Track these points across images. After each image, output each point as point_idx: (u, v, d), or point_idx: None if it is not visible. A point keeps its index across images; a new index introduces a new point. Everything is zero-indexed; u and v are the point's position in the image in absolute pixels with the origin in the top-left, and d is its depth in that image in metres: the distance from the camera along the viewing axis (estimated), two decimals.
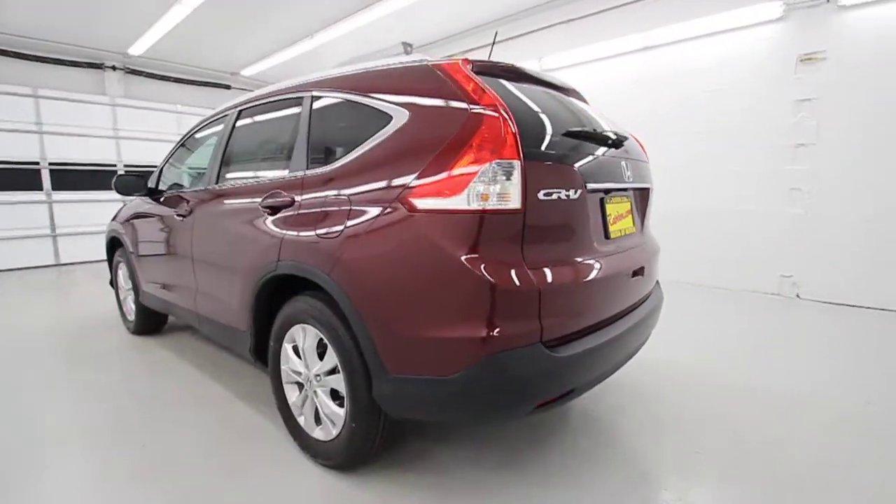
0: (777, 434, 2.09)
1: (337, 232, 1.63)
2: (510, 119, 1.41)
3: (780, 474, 1.81)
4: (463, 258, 1.38)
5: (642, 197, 2.10)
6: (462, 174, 1.39)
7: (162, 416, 2.34)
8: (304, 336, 1.87)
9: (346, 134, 1.83)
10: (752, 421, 2.20)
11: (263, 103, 2.35)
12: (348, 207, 1.63)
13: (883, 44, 3.90)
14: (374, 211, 1.55)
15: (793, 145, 4.42)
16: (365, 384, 1.63)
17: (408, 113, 1.58)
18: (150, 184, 3.15)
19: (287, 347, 1.97)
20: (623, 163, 1.87)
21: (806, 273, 4.48)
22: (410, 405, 1.56)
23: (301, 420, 1.96)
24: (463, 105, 1.46)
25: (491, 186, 1.38)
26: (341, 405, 1.76)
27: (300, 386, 1.96)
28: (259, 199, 2.03)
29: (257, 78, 8.72)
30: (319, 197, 1.75)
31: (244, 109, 2.47)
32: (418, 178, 1.46)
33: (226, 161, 2.48)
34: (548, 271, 1.47)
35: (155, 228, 3.02)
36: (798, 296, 4.54)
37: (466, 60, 1.64)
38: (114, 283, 3.89)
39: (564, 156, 1.57)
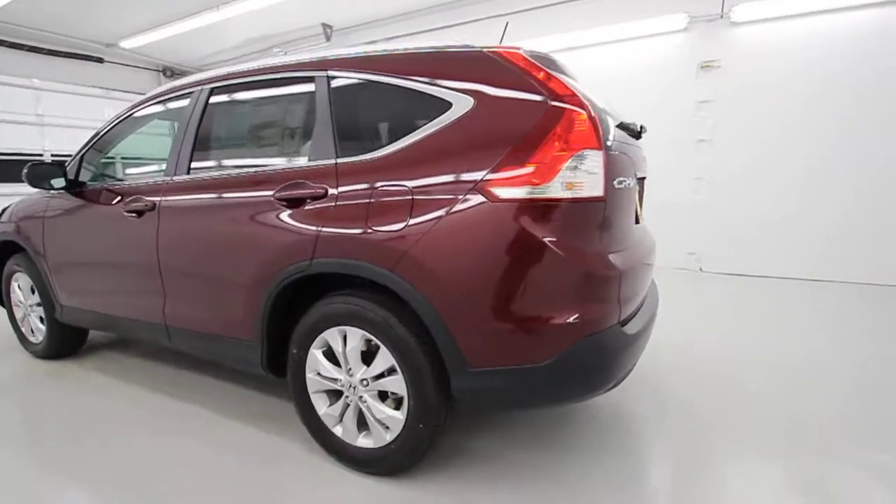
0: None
1: (400, 225, 1.52)
2: (591, 109, 1.45)
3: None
4: (557, 246, 1.40)
5: (642, 185, 2.29)
6: (549, 163, 1.40)
7: (132, 455, 1.95)
8: (342, 340, 1.72)
9: (387, 119, 1.71)
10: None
11: (248, 82, 2.06)
12: (409, 198, 1.53)
13: (763, 55, 4.70)
14: (446, 202, 1.47)
15: (696, 140, 5.14)
16: (433, 383, 1.57)
17: (472, 100, 1.52)
18: (69, 175, 2.58)
19: (316, 354, 1.79)
20: (641, 152, 2.03)
21: (707, 250, 5.27)
22: (496, 397, 1.54)
23: (338, 430, 1.81)
24: (540, 94, 1.45)
25: (578, 176, 1.41)
26: (395, 408, 1.67)
27: (336, 394, 1.81)
28: (270, 191, 1.80)
29: (141, 52, 7.53)
30: (366, 188, 1.61)
31: (218, 87, 2.14)
32: (499, 167, 1.43)
33: (199, 147, 2.14)
34: (619, 256, 1.55)
35: (85, 229, 2.50)
36: (701, 269, 5.33)
37: (517, 48, 1.62)
38: (2, 298, 3.13)
39: (620, 145, 1.66)
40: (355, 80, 1.76)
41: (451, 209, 1.47)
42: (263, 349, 1.91)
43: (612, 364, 1.49)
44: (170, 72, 8.31)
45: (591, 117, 1.44)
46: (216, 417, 2.24)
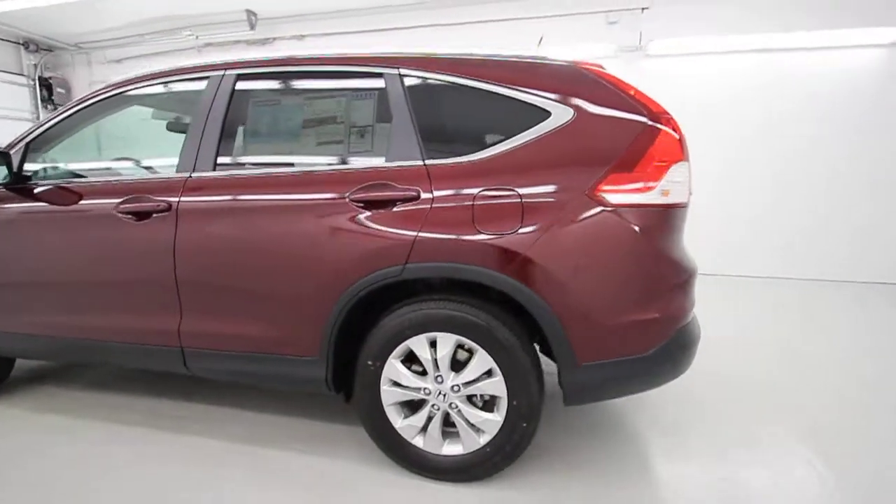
0: None
1: (512, 229, 1.54)
2: (677, 125, 1.63)
3: None
4: (658, 247, 1.56)
5: None
6: (651, 173, 1.55)
7: None
8: (429, 346, 1.67)
9: (478, 123, 1.71)
10: None
11: (289, 72, 1.89)
12: (519, 202, 1.56)
13: (672, 87, 5.52)
14: (558, 207, 1.54)
15: None
16: (536, 381, 1.61)
17: (572, 111, 1.61)
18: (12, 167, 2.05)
19: (394, 364, 1.71)
20: None
21: None
22: (604, 388, 1.64)
23: (419, 441, 1.75)
24: (639, 110, 1.59)
25: (671, 184, 1.58)
26: (487, 411, 1.68)
27: (411, 405, 1.76)
28: (342, 193, 1.67)
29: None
30: (468, 191, 1.60)
31: (248, 74, 1.91)
32: (608, 175, 1.54)
33: (228, 141, 1.88)
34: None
35: (38, 235, 2.01)
36: None
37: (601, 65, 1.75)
38: None
39: None
40: (437, 82, 1.73)
41: (563, 213, 1.54)
42: (329, 364, 1.76)
43: (692, 351, 1.69)
44: (34, 46, 6.86)
45: (680, 132, 1.62)
46: (246, 448, 1.98)
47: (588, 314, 1.55)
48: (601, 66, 1.72)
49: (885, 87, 4.87)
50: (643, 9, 5.28)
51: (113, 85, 2.08)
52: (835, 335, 3.49)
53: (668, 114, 1.62)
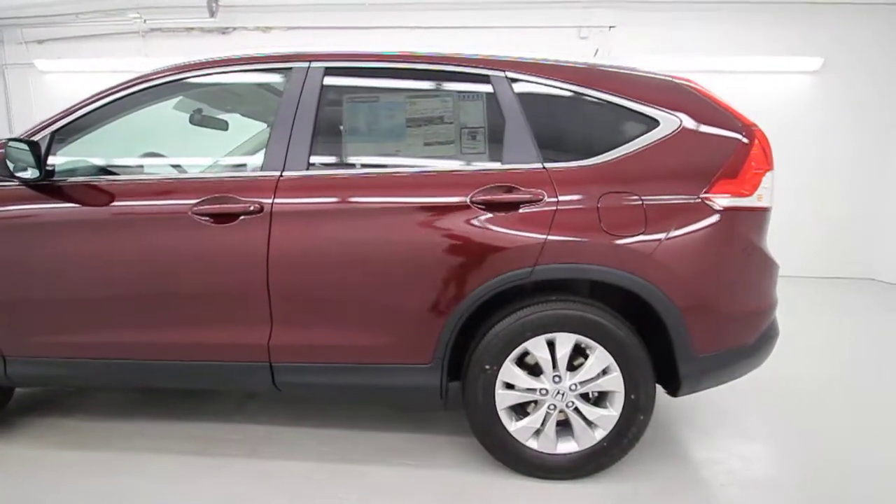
0: None
1: (638, 230, 1.62)
2: (764, 136, 1.81)
3: None
4: (760, 245, 1.73)
5: None
6: (751, 179, 1.71)
7: None
8: (547, 347, 1.70)
9: (589, 129, 1.77)
10: None
11: (385, 68, 1.82)
12: (641, 205, 1.64)
13: None
14: (677, 209, 1.64)
15: None
16: (651, 374, 1.70)
17: (678, 121, 1.72)
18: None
19: (510, 367, 1.71)
20: None
21: None
22: (714, 377, 1.75)
23: (533, 443, 1.76)
24: (736, 122, 1.75)
25: (763, 190, 1.76)
26: (600, 407, 1.74)
27: (530, 405, 1.76)
28: (460, 195, 1.65)
29: None
30: (590, 196, 1.65)
31: (337, 69, 1.81)
32: (716, 181, 1.67)
33: (321, 139, 1.76)
34: None
35: (81, 241, 1.73)
36: None
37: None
38: None
39: None
40: (548, 87, 1.76)
41: (681, 216, 1.65)
42: (443, 371, 1.71)
43: (777, 339, 1.88)
44: None
45: (766, 140, 1.81)
46: (343, 467, 1.85)
47: (706, 309, 1.67)
48: (694, 82, 1.86)
49: (810, 107, 5.68)
50: (610, 27, 5.69)
51: (167, 70, 1.85)
52: None
53: (756, 125, 1.80)
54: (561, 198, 1.65)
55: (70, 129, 1.82)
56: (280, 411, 2.27)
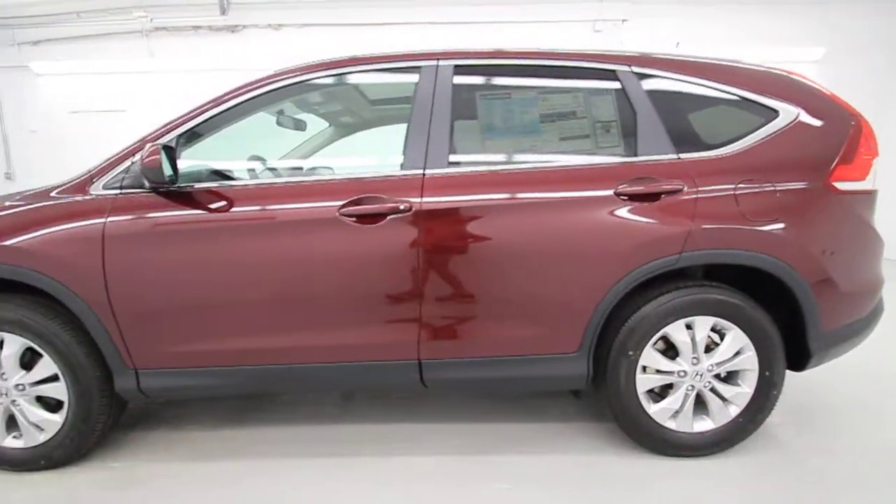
0: None
1: (776, 216, 1.71)
2: (868, 123, 1.93)
3: None
4: (873, 224, 1.86)
5: None
6: (864, 164, 1.82)
7: None
8: (686, 331, 1.77)
9: (714, 120, 1.84)
10: None
11: (513, 65, 1.86)
12: (773, 190, 1.73)
13: None
14: (806, 195, 1.75)
15: None
16: (782, 351, 1.80)
17: (795, 111, 1.81)
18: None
19: (650, 351, 1.78)
20: None
21: None
22: (837, 350, 1.86)
23: (671, 424, 1.84)
24: (845, 112, 1.85)
25: (871, 174, 1.88)
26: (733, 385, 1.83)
27: (668, 388, 1.84)
28: (604, 188, 1.70)
29: None
30: (727, 184, 1.72)
31: (466, 66, 1.82)
32: (836, 166, 1.78)
33: (459, 137, 1.78)
34: None
35: (228, 248, 1.69)
36: None
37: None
38: None
39: None
40: (674, 81, 1.83)
41: (810, 201, 1.76)
42: (590, 359, 1.77)
43: (882, 314, 2.01)
44: None
45: (872, 131, 1.92)
46: (477, 458, 1.89)
47: (832, 286, 1.77)
48: (804, 76, 1.96)
49: None
50: (623, 20, 5.82)
51: (292, 71, 1.81)
52: None
53: (861, 115, 1.91)
54: (700, 187, 1.72)
55: (196, 131, 1.77)
56: (386, 410, 2.28)
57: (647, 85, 1.82)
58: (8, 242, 1.69)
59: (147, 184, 1.62)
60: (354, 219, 1.67)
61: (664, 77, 1.84)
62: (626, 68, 1.83)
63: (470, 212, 1.71)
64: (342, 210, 1.67)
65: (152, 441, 2.06)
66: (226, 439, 2.07)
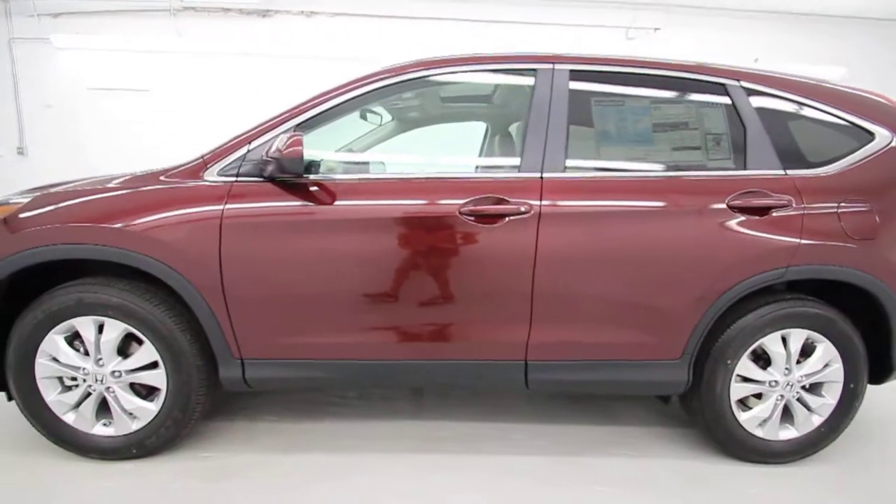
0: None
1: (872, 235, 1.77)
2: None
3: None
4: None
5: None
6: None
7: None
8: (781, 339, 1.82)
9: (816, 139, 1.90)
10: None
11: (627, 73, 1.88)
12: (870, 210, 1.79)
13: None
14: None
15: None
16: (865, 364, 1.86)
17: (890, 135, 1.88)
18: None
19: (745, 361, 1.84)
20: None
21: None
22: None
23: (759, 431, 1.89)
24: None
25: None
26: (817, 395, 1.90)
27: (757, 397, 1.89)
28: (718, 201, 1.74)
29: None
30: (830, 203, 1.77)
31: (582, 72, 1.84)
32: None
33: (574, 142, 1.80)
34: None
35: (344, 240, 1.69)
36: None
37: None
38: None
39: None
40: (782, 99, 1.87)
41: None
42: (691, 366, 1.81)
43: None
44: None
45: None
46: (569, 459, 1.93)
47: None
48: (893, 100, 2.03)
49: None
50: (656, 29, 5.89)
51: (410, 66, 1.81)
52: None
53: None
54: (807, 203, 1.77)
55: (313, 122, 1.75)
56: (458, 408, 2.30)
57: (755, 100, 1.86)
58: (118, 225, 1.65)
59: (275, 173, 1.60)
60: (474, 218, 1.69)
61: (773, 95, 1.88)
62: (735, 83, 1.87)
63: (587, 217, 1.74)
64: (463, 209, 1.68)
65: (235, 431, 2.05)
66: (307, 432, 2.07)
